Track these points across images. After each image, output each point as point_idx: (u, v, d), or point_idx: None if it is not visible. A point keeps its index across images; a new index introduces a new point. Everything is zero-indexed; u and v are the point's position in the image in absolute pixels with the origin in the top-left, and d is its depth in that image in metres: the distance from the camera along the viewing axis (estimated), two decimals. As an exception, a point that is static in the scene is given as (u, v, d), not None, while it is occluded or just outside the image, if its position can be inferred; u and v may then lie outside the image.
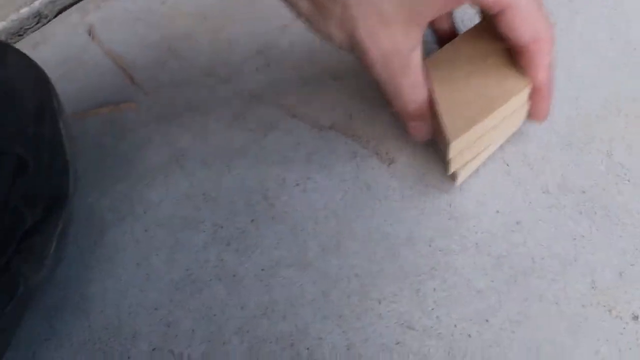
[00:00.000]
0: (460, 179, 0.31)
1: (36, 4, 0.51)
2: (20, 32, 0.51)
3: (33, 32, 0.50)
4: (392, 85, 0.28)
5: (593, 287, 0.28)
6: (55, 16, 0.51)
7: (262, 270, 0.32)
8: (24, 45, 0.49)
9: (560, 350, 0.26)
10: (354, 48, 0.27)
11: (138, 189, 0.37)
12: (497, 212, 0.31)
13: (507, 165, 0.32)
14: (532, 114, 0.30)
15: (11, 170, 0.28)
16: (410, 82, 0.28)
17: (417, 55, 0.27)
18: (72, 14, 0.50)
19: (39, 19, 0.51)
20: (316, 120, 0.37)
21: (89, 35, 0.47)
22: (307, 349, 0.29)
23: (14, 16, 0.51)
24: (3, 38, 0.50)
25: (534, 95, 0.29)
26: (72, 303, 0.33)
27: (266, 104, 0.39)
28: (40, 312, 0.33)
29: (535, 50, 0.26)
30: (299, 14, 0.28)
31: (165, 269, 0.33)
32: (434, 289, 0.29)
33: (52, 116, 0.33)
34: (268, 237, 0.33)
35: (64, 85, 0.45)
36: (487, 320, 0.28)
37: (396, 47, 0.26)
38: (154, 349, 0.31)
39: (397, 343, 0.28)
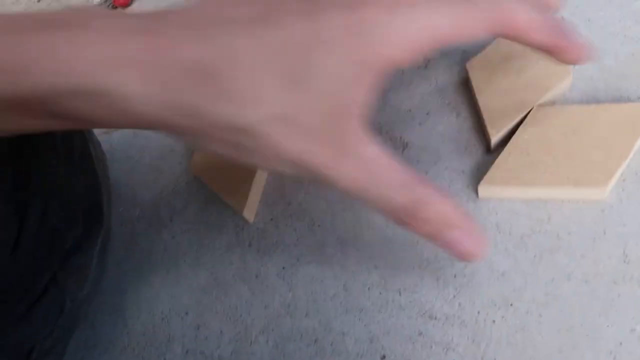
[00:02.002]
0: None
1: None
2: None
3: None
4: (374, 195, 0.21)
5: (625, 261, 0.26)
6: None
7: (283, 268, 0.32)
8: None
9: (592, 331, 0.25)
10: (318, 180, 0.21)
11: (164, 197, 0.38)
12: (518, 189, 0.29)
13: (526, 138, 0.30)
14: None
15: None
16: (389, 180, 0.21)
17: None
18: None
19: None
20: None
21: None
22: (331, 344, 0.29)
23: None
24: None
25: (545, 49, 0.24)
26: (112, 310, 0.35)
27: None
28: (85, 321, 0.35)
29: (507, 26, 0.22)
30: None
31: (192, 274, 0.34)
32: (455, 275, 0.28)
33: (82, 137, 0.35)
34: (287, 235, 0.33)
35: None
36: (511, 305, 0.27)
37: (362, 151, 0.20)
38: (187, 352, 0.32)
39: (420, 334, 0.28)
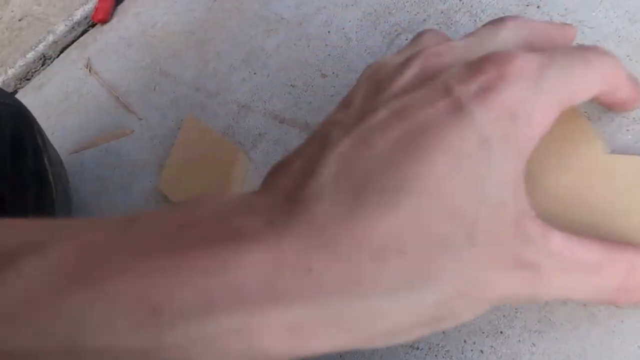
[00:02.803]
0: None
1: (40, 47, 0.52)
2: (28, 76, 0.52)
3: (39, 74, 0.51)
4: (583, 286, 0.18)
5: (628, 282, 0.23)
6: (58, 55, 0.52)
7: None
8: (30, 88, 0.50)
9: (593, 363, 0.22)
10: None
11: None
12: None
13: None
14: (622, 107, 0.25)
15: None
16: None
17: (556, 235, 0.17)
18: (73, 51, 0.51)
19: (44, 60, 0.52)
20: (305, 123, 0.34)
21: (87, 68, 0.47)
22: (303, 377, 0.26)
23: (21, 62, 0.52)
24: (12, 84, 0.51)
25: (621, 103, 0.23)
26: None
27: (254, 113, 0.37)
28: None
29: (608, 91, 0.21)
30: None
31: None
32: (439, 300, 0.25)
33: (36, 152, 0.33)
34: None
35: (66, 120, 0.45)
36: (501, 332, 0.24)
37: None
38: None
39: (400, 365, 0.25)
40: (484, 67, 0.17)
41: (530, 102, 0.17)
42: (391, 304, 0.14)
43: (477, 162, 0.15)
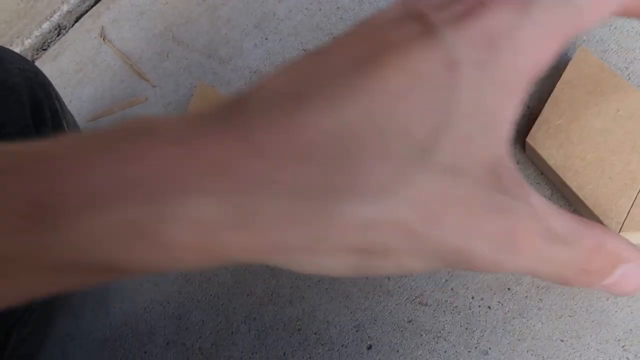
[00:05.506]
0: None
1: (55, 17, 0.52)
2: (44, 46, 0.52)
3: (55, 44, 0.52)
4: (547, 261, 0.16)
5: (638, 239, 0.23)
6: (73, 25, 0.52)
7: (267, 253, 0.30)
8: (46, 58, 0.50)
9: (599, 317, 0.22)
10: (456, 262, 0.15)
11: (149, 184, 0.37)
12: (518, 162, 0.27)
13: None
14: None
15: None
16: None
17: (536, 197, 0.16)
18: (86, 20, 0.51)
19: (59, 30, 0.52)
20: (316, 88, 0.35)
21: (101, 37, 0.48)
22: (315, 333, 0.27)
23: (37, 32, 0.53)
24: (29, 54, 0.52)
25: None
26: (94, 301, 0.34)
27: (266, 79, 0.37)
28: (68, 312, 0.34)
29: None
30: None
31: (175, 261, 0.33)
32: (447, 258, 0.26)
33: (55, 117, 0.34)
34: (272, 219, 0.31)
35: (82, 90, 0.45)
36: (509, 289, 0.24)
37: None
38: (167, 343, 0.30)
39: (409, 321, 0.25)
40: None
41: (518, 32, 0.15)
42: (306, 208, 0.13)
43: (440, 85, 0.14)
